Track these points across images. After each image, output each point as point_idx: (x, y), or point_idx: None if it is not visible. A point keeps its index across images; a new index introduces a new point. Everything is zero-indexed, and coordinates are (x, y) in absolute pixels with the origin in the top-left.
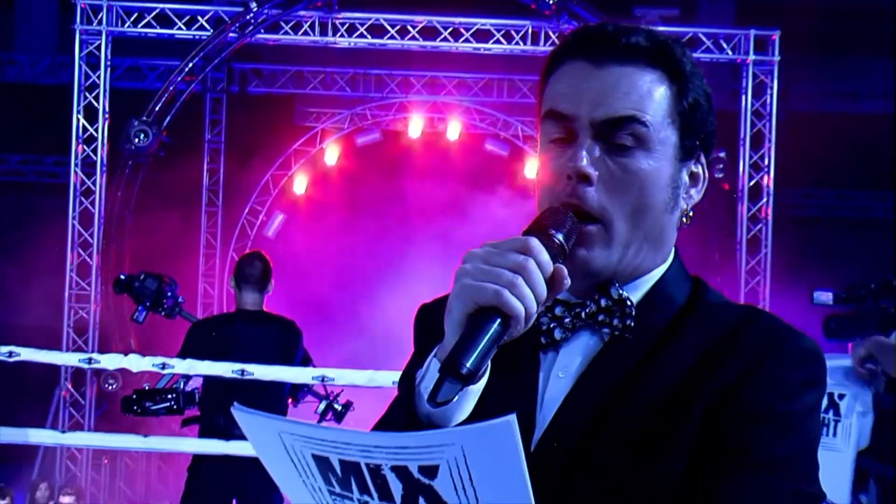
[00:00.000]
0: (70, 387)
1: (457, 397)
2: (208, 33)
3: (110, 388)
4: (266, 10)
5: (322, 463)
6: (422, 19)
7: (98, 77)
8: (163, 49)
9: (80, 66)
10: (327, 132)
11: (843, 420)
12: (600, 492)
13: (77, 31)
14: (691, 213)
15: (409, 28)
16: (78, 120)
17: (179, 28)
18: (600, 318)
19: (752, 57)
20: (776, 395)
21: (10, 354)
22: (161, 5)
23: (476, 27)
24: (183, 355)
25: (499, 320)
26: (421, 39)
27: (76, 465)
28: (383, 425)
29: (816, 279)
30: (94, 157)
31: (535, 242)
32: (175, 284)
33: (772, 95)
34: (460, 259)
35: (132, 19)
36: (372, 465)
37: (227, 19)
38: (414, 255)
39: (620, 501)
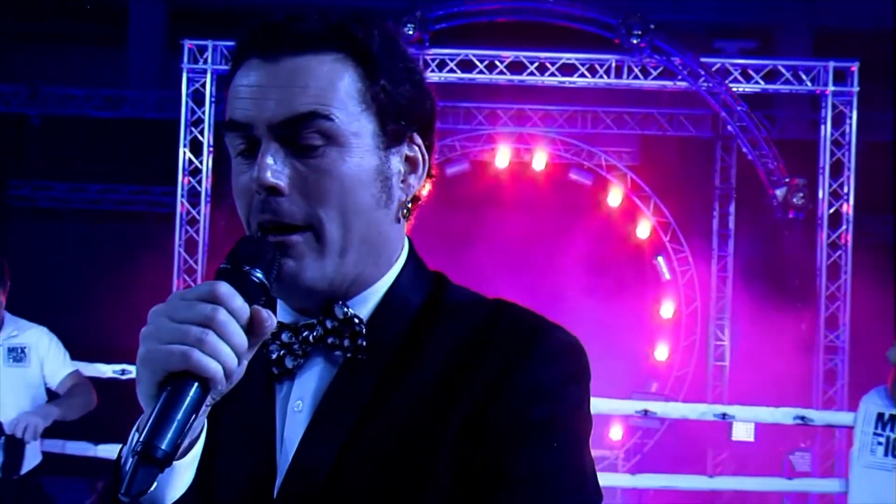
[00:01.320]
0: None
1: (155, 484)
2: None
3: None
4: None
5: None
6: (509, 54)
7: (203, 112)
8: None
9: (186, 103)
10: None
11: None
12: None
13: (184, 70)
14: (410, 205)
15: (497, 63)
16: (184, 153)
17: None
18: (329, 340)
19: (831, 88)
20: (533, 400)
21: (123, 372)
22: None
23: (561, 61)
24: None
25: (195, 385)
26: (508, 74)
27: None
28: None
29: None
30: (199, 188)
31: (223, 287)
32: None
33: (850, 125)
34: (544, 286)
35: None
36: None
37: None
38: (499, 281)
39: None
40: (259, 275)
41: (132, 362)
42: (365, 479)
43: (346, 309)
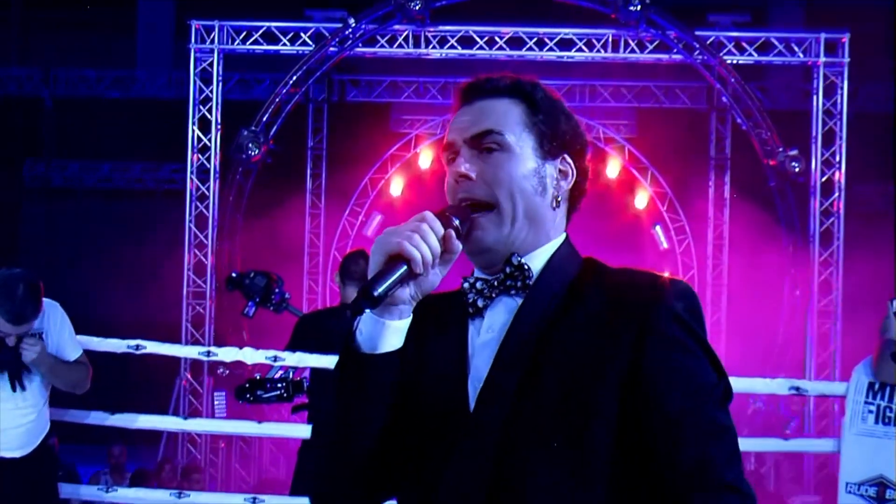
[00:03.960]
0: (189, 377)
1: (367, 312)
2: (310, 48)
3: (223, 374)
4: (363, 26)
5: None
6: (508, 30)
7: (211, 91)
8: (269, 64)
9: (194, 82)
10: (421, 137)
11: None
12: (539, 429)
13: (192, 50)
14: (560, 198)
15: (497, 39)
16: (193, 131)
17: (284, 44)
18: (508, 283)
19: (822, 59)
20: (677, 327)
21: (137, 347)
22: (267, 23)
23: (559, 37)
24: (291, 347)
25: (404, 266)
26: (508, 49)
27: (196, 448)
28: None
29: (885, 270)
30: (208, 165)
31: (429, 214)
32: (282, 281)
33: (842, 95)
34: None
35: (241, 37)
36: None
37: (327, 35)
38: None
39: (559, 436)
40: (456, 221)
41: (146, 337)
42: (546, 398)
43: (519, 259)
